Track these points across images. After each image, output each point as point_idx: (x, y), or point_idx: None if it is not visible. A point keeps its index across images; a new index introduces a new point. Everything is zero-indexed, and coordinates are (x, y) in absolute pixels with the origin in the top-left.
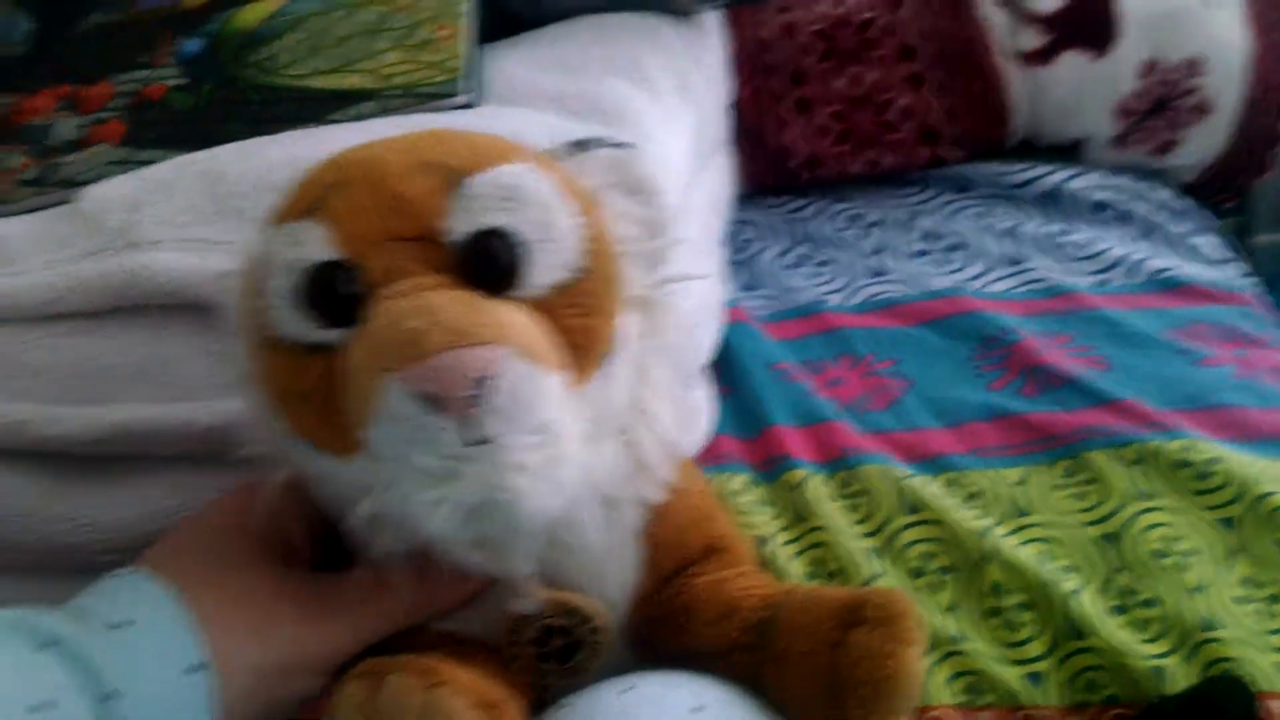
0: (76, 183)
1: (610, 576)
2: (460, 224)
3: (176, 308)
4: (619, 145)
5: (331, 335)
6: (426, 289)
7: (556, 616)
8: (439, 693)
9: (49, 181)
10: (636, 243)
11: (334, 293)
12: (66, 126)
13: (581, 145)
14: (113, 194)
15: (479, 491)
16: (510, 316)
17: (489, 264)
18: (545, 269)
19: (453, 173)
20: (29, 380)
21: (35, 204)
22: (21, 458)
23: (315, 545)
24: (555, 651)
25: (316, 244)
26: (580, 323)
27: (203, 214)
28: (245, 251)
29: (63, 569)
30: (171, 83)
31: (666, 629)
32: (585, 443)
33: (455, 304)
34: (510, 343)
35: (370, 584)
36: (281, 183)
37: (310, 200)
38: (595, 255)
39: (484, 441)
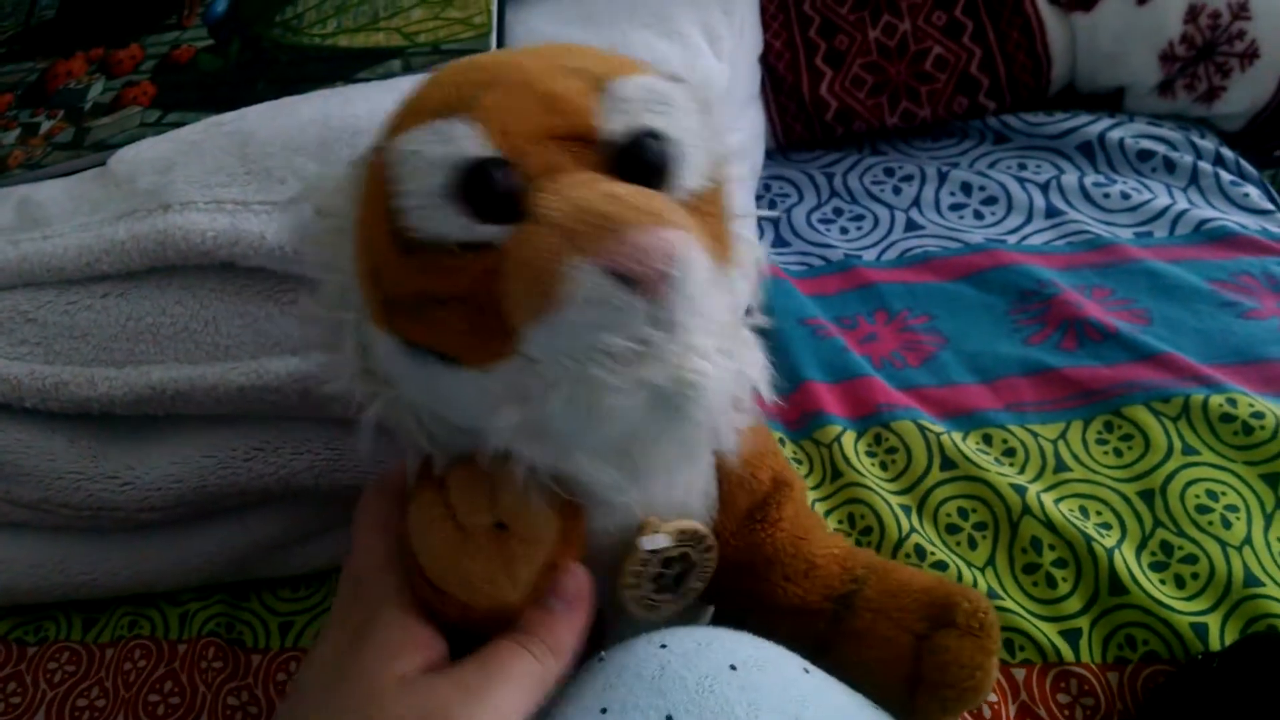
0: (108, 145)
1: (695, 513)
2: (615, 124)
3: (210, 268)
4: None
5: (492, 231)
6: (593, 179)
7: (676, 545)
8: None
9: (81, 144)
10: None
11: (492, 189)
12: (98, 89)
13: (674, 78)
14: (144, 156)
15: (669, 375)
16: (681, 208)
17: (645, 164)
18: (692, 173)
19: (597, 77)
20: (73, 342)
21: (68, 167)
22: (67, 420)
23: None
24: (671, 580)
25: (470, 140)
26: (715, 229)
27: (233, 175)
28: (345, 170)
29: (107, 528)
30: (200, 44)
31: (744, 578)
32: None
33: (635, 192)
34: (691, 228)
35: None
36: (312, 143)
37: (454, 99)
38: (719, 166)
39: (676, 325)
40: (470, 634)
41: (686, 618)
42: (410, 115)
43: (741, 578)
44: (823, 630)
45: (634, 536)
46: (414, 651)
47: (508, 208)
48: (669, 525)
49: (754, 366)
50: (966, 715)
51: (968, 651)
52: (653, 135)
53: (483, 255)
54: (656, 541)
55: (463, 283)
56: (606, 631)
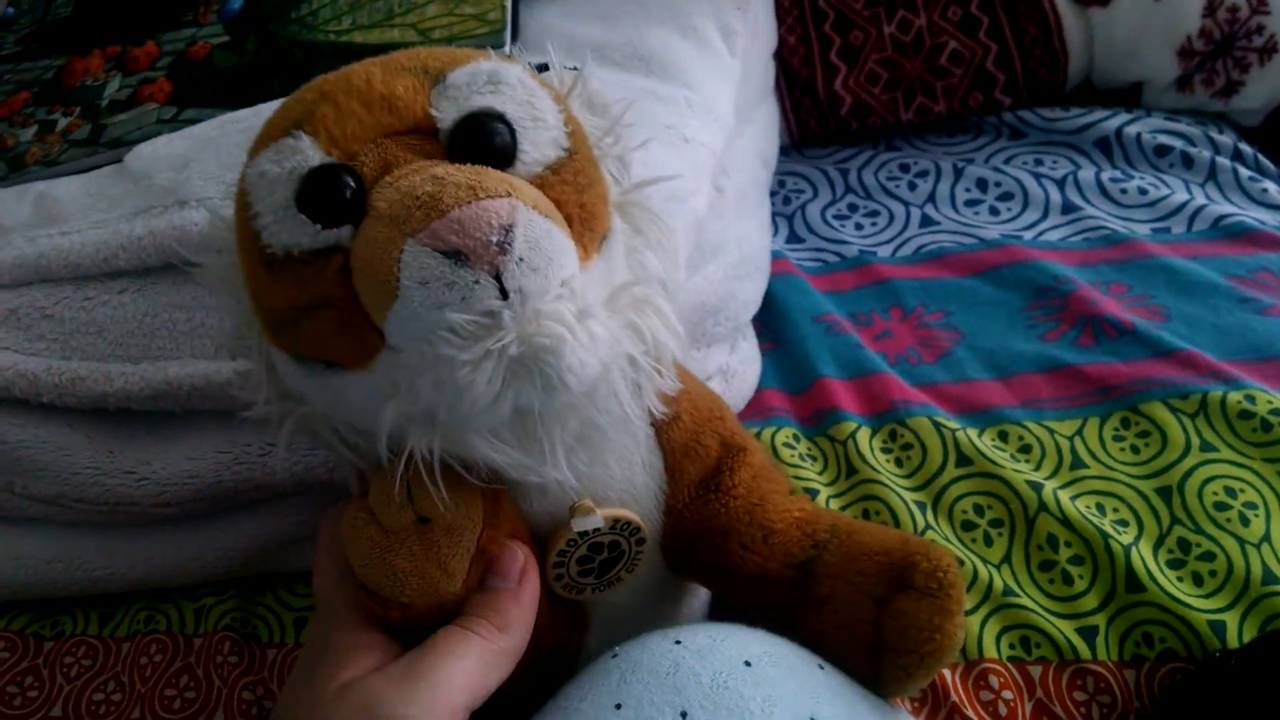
0: (125, 142)
1: (641, 487)
2: (449, 111)
3: None
4: (571, 69)
5: (338, 234)
6: (425, 166)
7: (607, 531)
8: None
9: (98, 141)
10: (601, 148)
11: (333, 193)
12: (115, 86)
13: (541, 68)
14: (161, 153)
15: (520, 341)
16: (515, 179)
17: (483, 143)
18: (537, 146)
19: (432, 71)
20: (89, 338)
21: (85, 164)
22: (84, 415)
23: None
24: (597, 565)
25: (307, 151)
26: (577, 198)
27: None
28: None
29: (124, 523)
30: (215, 41)
31: (703, 548)
32: (604, 315)
33: (462, 170)
34: (522, 196)
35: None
36: None
37: (293, 117)
38: (576, 137)
39: (516, 292)
40: (419, 632)
41: (676, 599)
42: (260, 141)
43: (702, 549)
44: (787, 598)
45: (567, 517)
46: (361, 659)
47: (351, 210)
48: (604, 510)
49: (661, 331)
50: (978, 703)
51: (925, 613)
52: (488, 114)
53: (334, 259)
54: (588, 523)
55: (321, 288)
56: (589, 619)
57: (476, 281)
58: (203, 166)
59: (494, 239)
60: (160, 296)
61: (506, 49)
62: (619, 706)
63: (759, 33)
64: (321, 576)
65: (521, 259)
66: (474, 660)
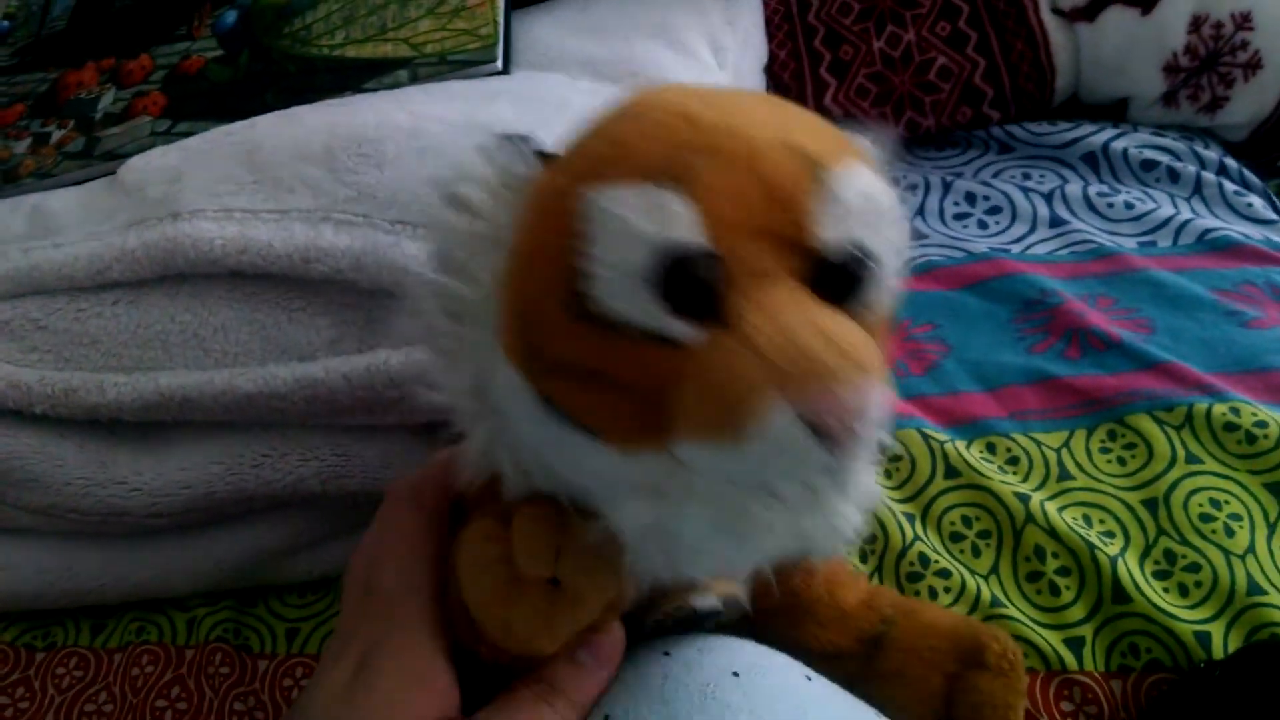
0: (118, 155)
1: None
2: (830, 233)
3: (219, 276)
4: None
5: (685, 329)
6: (802, 300)
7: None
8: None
9: (92, 154)
10: None
11: (695, 283)
12: (109, 99)
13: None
14: (154, 165)
15: (824, 525)
16: (879, 355)
17: (851, 283)
18: (883, 291)
19: (816, 164)
20: (83, 349)
21: (79, 176)
22: (77, 426)
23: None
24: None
25: (684, 223)
26: (883, 344)
27: (242, 183)
28: (509, 189)
29: (115, 534)
30: (209, 55)
31: (778, 622)
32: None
33: (845, 328)
34: (884, 376)
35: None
36: (319, 151)
37: (669, 163)
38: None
39: (844, 477)
40: (487, 666)
41: None
42: (616, 165)
43: (776, 624)
44: (852, 671)
45: (681, 590)
46: (426, 700)
47: (704, 305)
48: (719, 587)
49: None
50: None
51: (1000, 692)
52: (865, 251)
53: (664, 351)
54: (707, 602)
55: (633, 373)
56: None
57: (821, 459)
58: (195, 179)
59: (860, 427)
60: (153, 308)
61: (498, 64)
62: (608, 717)
63: (749, 47)
64: (384, 566)
65: (866, 445)
66: None
